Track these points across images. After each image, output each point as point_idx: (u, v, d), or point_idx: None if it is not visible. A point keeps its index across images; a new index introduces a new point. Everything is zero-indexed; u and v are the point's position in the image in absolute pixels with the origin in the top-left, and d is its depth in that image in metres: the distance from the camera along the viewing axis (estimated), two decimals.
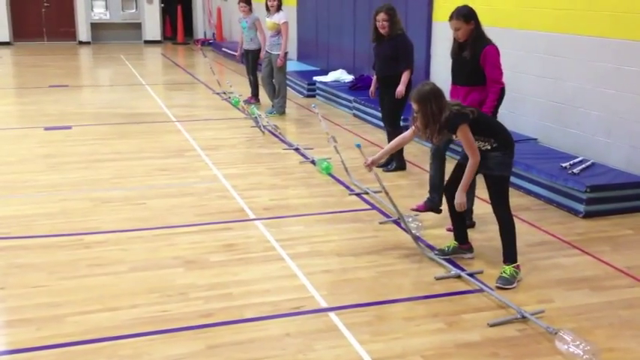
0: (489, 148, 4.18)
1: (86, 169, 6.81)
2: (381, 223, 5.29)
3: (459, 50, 4.99)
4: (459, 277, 4.26)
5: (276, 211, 5.56)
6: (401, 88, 6.45)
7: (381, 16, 6.39)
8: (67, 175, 6.58)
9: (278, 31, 9.21)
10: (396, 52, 6.44)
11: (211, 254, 4.64)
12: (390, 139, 6.80)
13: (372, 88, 6.91)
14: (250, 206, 5.66)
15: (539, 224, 5.24)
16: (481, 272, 4.33)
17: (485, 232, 5.00)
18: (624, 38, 5.82)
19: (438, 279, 4.24)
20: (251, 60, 10.13)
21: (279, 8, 9.27)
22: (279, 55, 9.20)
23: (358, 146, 4.56)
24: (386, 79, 6.58)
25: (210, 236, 4.99)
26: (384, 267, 4.46)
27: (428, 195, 5.40)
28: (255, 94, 10.36)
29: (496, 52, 4.87)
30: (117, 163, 7.00)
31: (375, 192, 5.91)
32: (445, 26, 8.21)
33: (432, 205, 5.30)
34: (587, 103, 6.31)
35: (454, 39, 5.00)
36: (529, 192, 5.94)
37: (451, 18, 4.90)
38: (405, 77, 6.44)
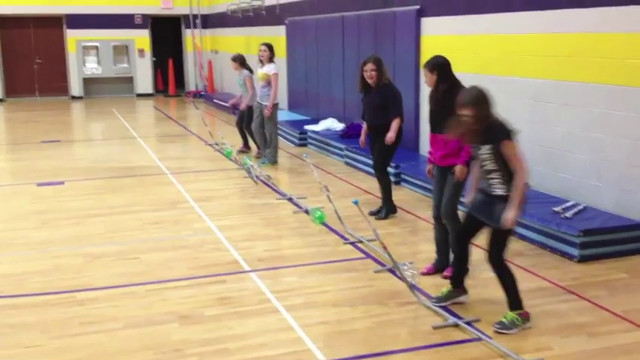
0: (500, 193, 4.09)
1: (78, 224, 6.78)
2: (376, 271, 5.26)
3: (434, 100, 5.06)
4: (456, 325, 4.23)
5: (270, 262, 5.54)
6: (391, 135, 6.51)
7: (369, 66, 6.49)
8: (59, 231, 6.55)
9: (268, 82, 9.34)
10: (386, 101, 6.52)
11: (206, 308, 4.60)
12: (380, 186, 6.82)
13: (362, 138, 6.95)
14: (244, 258, 5.64)
15: (534, 270, 5.23)
16: (478, 320, 4.30)
17: (481, 279, 4.98)
18: (611, 84, 5.92)
19: (435, 328, 4.21)
20: (247, 114, 10.21)
21: (270, 60, 9.43)
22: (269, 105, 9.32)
23: (355, 203, 4.56)
24: (377, 128, 6.65)
25: (204, 290, 4.95)
26: (380, 317, 4.42)
27: (435, 256, 5.29)
28: (245, 144, 10.46)
29: None
30: (110, 218, 6.98)
31: (369, 240, 5.91)
32: None
33: (441, 267, 5.22)
34: (577, 148, 6.38)
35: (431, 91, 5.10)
36: (522, 237, 5.95)
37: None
38: (395, 124, 6.51)
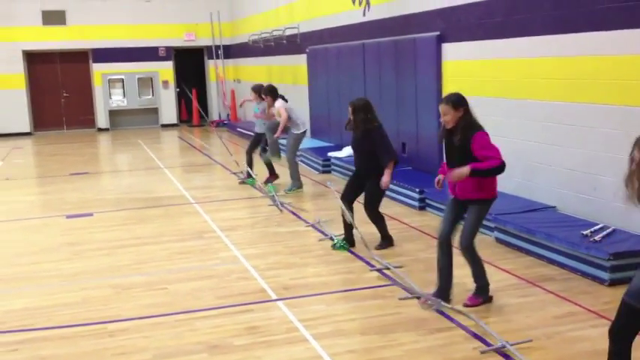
0: None
1: (107, 255, 6.86)
2: (401, 299, 5.24)
3: (448, 135, 4.95)
4: (502, 349, 4.18)
5: (297, 291, 5.55)
6: (387, 180, 6.44)
7: (348, 109, 6.52)
8: (88, 263, 6.63)
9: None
10: (373, 146, 6.44)
11: (234, 338, 4.62)
12: (375, 224, 6.74)
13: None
14: (271, 286, 5.66)
15: (565, 295, 5.17)
16: (504, 347, 4.25)
17: (507, 305, 4.94)
18: (630, 105, 5.89)
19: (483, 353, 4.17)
20: (263, 142, 10.36)
21: (273, 100, 9.65)
22: (295, 133, 9.52)
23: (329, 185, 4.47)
24: (368, 171, 6.56)
25: (232, 319, 4.97)
26: (408, 345, 4.40)
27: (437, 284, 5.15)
28: (272, 172, 10.52)
29: (486, 136, 4.82)
30: (138, 248, 7.06)
31: (396, 267, 5.90)
32: None
33: (442, 295, 5.07)
34: (601, 170, 6.33)
35: (442, 124, 4.98)
36: (551, 261, 5.89)
37: (440, 103, 4.91)
38: (390, 168, 6.45)
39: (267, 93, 9.77)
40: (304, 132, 9.70)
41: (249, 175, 10.55)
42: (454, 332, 4.55)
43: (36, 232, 8.12)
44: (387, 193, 8.85)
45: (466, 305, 4.96)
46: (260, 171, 10.63)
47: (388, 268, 5.96)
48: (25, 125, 19.89)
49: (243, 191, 10.02)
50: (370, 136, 6.45)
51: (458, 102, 4.84)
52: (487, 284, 5.05)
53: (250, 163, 10.50)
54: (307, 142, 12.97)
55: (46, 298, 5.64)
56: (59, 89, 20.44)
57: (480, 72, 8.00)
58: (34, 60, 19.97)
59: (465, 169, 4.67)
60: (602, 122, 6.26)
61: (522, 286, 5.42)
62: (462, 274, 5.24)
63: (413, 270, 5.87)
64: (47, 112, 20.38)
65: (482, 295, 5.03)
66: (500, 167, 4.73)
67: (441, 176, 5.14)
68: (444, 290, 5.09)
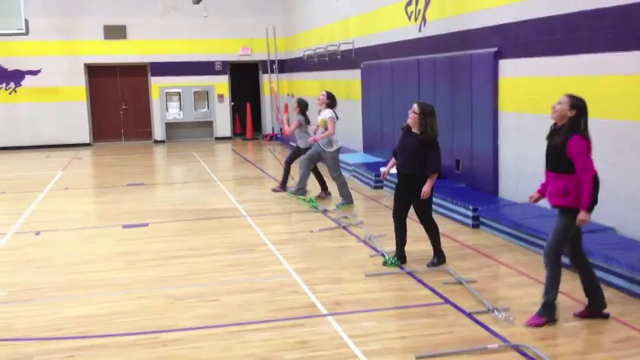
0: None
1: (161, 265, 6.98)
2: (473, 312, 5.17)
3: (551, 136, 4.96)
4: None
5: (347, 306, 5.53)
6: (427, 189, 6.38)
7: (414, 107, 6.46)
8: (143, 273, 6.76)
9: (327, 128, 9.61)
10: (423, 152, 6.37)
11: (284, 352, 4.63)
12: (430, 235, 6.64)
13: (387, 169, 6.86)
14: (321, 301, 5.65)
15: (624, 319, 5.01)
16: None
17: (565, 328, 4.81)
18: None
19: None
20: (295, 152, 10.62)
21: (328, 106, 9.85)
22: (330, 152, 9.66)
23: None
24: (410, 176, 6.49)
25: (282, 333, 4.99)
26: None
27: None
28: (323, 188, 10.57)
29: (582, 140, 4.77)
30: (191, 260, 7.16)
31: (447, 283, 5.82)
32: (512, 116, 8.28)
33: (595, 309, 5.02)
34: None
35: (553, 125, 4.98)
36: (610, 284, 5.71)
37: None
38: (433, 179, 6.40)
39: (331, 98, 9.95)
40: (339, 148, 9.86)
41: (283, 183, 10.86)
42: (508, 354, 4.46)
43: (92, 241, 8.32)
44: (440, 210, 8.80)
45: (528, 325, 4.83)
46: (313, 184, 10.68)
47: (460, 283, 5.89)
48: (85, 136, 20.50)
49: (295, 205, 10.07)
50: (424, 141, 6.39)
51: (575, 104, 4.84)
52: (553, 303, 4.91)
53: (287, 173, 10.80)
54: (359, 158, 12.99)
55: (101, 306, 5.77)
56: (118, 102, 21.03)
57: (538, 89, 7.86)
58: (94, 73, 20.60)
59: (586, 216, 4.76)
60: None
61: (580, 309, 5.26)
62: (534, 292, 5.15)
63: (465, 289, 5.78)
64: (106, 123, 20.98)
65: (546, 314, 4.89)
66: (595, 183, 4.77)
67: (536, 195, 5.14)
68: (593, 305, 5.02)
